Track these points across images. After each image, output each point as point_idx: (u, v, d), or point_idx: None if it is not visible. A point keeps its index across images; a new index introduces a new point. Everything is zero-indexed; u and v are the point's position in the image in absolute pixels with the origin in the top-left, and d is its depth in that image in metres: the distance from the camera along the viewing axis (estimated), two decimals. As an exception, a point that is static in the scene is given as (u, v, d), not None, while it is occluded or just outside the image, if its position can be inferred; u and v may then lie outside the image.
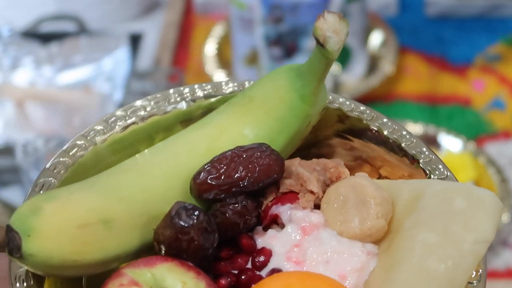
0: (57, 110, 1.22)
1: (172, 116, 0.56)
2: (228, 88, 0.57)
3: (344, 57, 1.29)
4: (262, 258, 0.52)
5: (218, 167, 0.52)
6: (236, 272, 0.51)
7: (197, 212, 0.49)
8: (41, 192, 0.50)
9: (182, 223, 0.49)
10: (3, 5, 1.40)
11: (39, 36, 1.34)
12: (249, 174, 0.51)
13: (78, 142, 0.53)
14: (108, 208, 0.48)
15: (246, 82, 0.57)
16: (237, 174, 0.51)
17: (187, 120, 0.56)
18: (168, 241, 0.49)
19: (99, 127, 0.54)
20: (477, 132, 1.23)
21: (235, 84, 0.57)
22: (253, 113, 0.53)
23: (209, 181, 0.51)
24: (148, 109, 0.55)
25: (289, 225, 0.52)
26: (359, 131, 0.57)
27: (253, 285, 0.49)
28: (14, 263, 0.48)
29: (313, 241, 0.52)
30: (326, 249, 0.51)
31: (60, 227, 0.46)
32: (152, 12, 1.44)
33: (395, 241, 0.49)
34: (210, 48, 1.36)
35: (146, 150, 0.53)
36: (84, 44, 1.32)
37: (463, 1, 1.38)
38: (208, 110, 0.55)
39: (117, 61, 1.29)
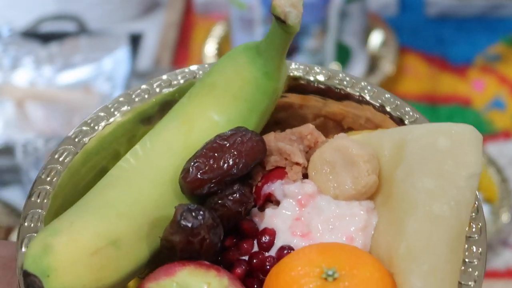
0: (57, 110, 1.22)
1: (132, 118, 0.56)
2: (181, 78, 0.58)
3: (344, 57, 1.29)
4: (267, 239, 0.53)
5: (206, 161, 0.52)
6: (245, 258, 0.52)
7: (202, 210, 0.49)
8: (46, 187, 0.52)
9: (190, 225, 0.49)
10: (3, 5, 1.40)
11: (39, 36, 1.34)
12: (237, 161, 0.52)
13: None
14: (111, 228, 0.49)
15: (195, 67, 0.58)
16: (225, 164, 0.52)
17: (146, 118, 0.56)
18: (180, 246, 0.49)
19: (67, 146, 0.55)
20: (477, 132, 1.22)
21: (186, 72, 0.58)
22: (219, 99, 0.54)
23: (199, 176, 0.52)
24: (108, 116, 0.56)
25: (285, 201, 0.53)
26: (305, 87, 0.59)
27: (274, 267, 0.50)
28: None
29: (312, 211, 0.53)
30: (327, 215, 0.52)
31: (74, 260, 0.46)
32: (152, 12, 1.45)
33: (393, 193, 0.51)
34: (210, 48, 1.36)
35: (124, 159, 0.53)
36: (84, 44, 1.32)
37: (463, 1, 1.38)
38: (166, 104, 0.56)
39: (117, 61, 1.29)
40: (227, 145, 0.52)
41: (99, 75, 1.29)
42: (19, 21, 1.37)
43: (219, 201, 0.51)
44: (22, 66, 1.31)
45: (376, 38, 1.37)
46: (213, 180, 0.52)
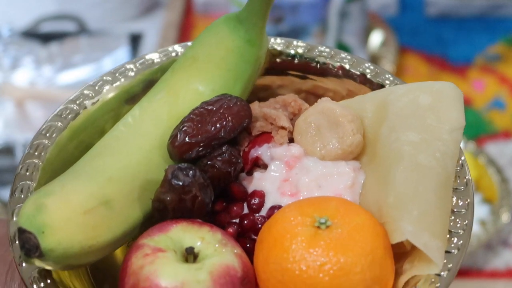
0: (57, 110, 1.22)
1: (116, 96, 0.57)
2: (164, 57, 0.59)
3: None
4: (256, 200, 0.54)
5: (193, 126, 0.53)
6: (235, 221, 0.53)
7: (192, 169, 0.50)
8: (27, 172, 0.53)
9: (182, 183, 0.50)
10: (3, 5, 1.41)
11: (39, 36, 1.34)
12: (224, 124, 0.53)
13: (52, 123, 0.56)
14: (103, 190, 0.50)
15: (176, 46, 0.59)
16: (213, 127, 0.53)
17: (131, 97, 0.58)
18: (172, 205, 0.50)
19: (57, 123, 0.56)
20: (477, 132, 1.23)
21: (169, 50, 0.59)
22: (202, 70, 0.55)
23: (187, 140, 0.53)
24: (94, 94, 0.57)
25: (272, 163, 0.54)
26: (282, 66, 0.60)
27: (266, 222, 0.51)
28: (26, 267, 0.49)
29: (300, 171, 0.54)
30: (315, 175, 0.53)
31: (68, 218, 0.47)
32: (152, 12, 1.45)
33: (379, 150, 0.52)
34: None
35: (111, 130, 0.55)
36: (84, 44, 1.32)
37: (463, 1, 1.38)
38: (149, 82, 0.57)
39: (117, 61, 1.29)
40: (214, 110, 0.53)
41: (99, 75, 1.29)
42: (19, 21, 1.37)
43: (209, 162, 0.52)
44: (22, 66, 1.31)
45: (376, 38, 1.37)
46: (201, 144, 0.53)
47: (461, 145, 1.31)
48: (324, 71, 0.59)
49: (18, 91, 1.28)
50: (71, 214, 0.47)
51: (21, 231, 0.47)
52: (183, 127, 0.52)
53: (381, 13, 1.43)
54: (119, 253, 0.56)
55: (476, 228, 1.08)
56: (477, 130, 1.25)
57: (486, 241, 1.06)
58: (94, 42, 1.34)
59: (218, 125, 0.53)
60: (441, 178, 0.50)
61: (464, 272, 1.05)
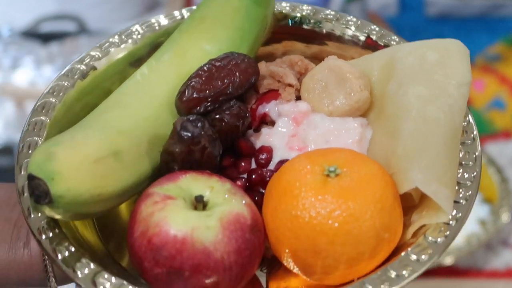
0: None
1: (122, 58, 0.59)
2: (165, 21, 0.60)
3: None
4: (264, 155, 0.54)
5: (201, 81, 0.53)
6: (243, 176, 0.54)
7: (201, 121, 0.51)
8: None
9: (191, 134, 0.50)
10: (3, 5, 1.41)
11: (39, 36, 1.34)
12: (232, 80, 0.54)
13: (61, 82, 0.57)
14: (112, 142, 0.50)
15: (183, 11, 0.60)
16: (221, 83, 0.53)
17: (136, 60, 0.59)
18: (181, 157, 0.51)
19: (64, 82, 0.57)
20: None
21: (176, 15, 0.60)
22: (210, 30, 0.56)
23: (195, 95, 0.53)
24: (100, 55, 0.58)
25: (280, 120, 0.55)
26: (286, 33, 0.60)
27: (276, 173, 0.51)
28: (35, 218, 0.50)
29: (308, 127, 0.54)
30: (323, 131, 0.54)
31: (78, 166, 0.48)
32: (152, 12, 1.45)
33: (386, 106, 0.53)
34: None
35: (120, 88, 0.55)
36: (84, 44, 1.32)
37: (463, 1, 1.38)
38: (154, 46, 0.58)
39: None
40: (221, 66, 0.54)
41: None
42: (19, 21, 1.37)
43: (217, 116, 0.53)
44: (22, 66, 1.31)
45: (376, 38, 1.37)
46: (209, 99, 0.53)
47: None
48: (328, 36, 0.59)
49: (18, 91, 1.28)
50: (80, 162, 0.48)
51: (31, 178, 0.47)
52: (191, 82, 0.53)
53: (381, 13, 1.43)
54: (125, 209, 0.57)
55: (476, 228, 1.08)
56: (477, 130, 1.24)
57: (486, 241, 1.07)
58: (94, 42, 1.34)
59: (226, 81, 0.53)
60: (449, 130, 0.51)
61: (464, 272, 1.05)
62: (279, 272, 0.53)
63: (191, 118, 0.50)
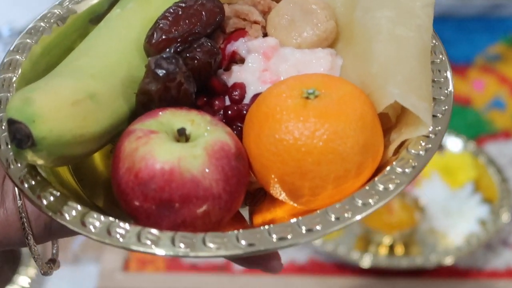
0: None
1: (82, 15, 0.61)
2: None
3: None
4: (237, 92, 0.56)
5: (168, 23, 0.56)
6: (220, 113, 0.56)
7: (175, 58, 0.53)
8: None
9: (166, 71, 0.52)
10: (3, 4, 1.41)
11: (39, 36, 1.33)
12: (199, 18, 0.56)
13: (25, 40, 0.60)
14: (87, 85, 0.53)
15: None
16: (188, 22, 0.56)
17: (95, 17, 0.61)
18: (157, 95, 0.53)
19: (27, 40, 0.60)
20: (477, 132, 1.24)
21: None
22: None
23: (164, 37, 0.55)
24: (62, 12, 0.62)
25: (249, 56, 0.57)
26: None
27: (254, 102, 0.53)
28: (14, 168, 0.52)
29: (278, 61, 0.56)
30: (293, 62, 0.56)
31: (58, 108, 0.50)
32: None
33: (354, 32, 0.56)
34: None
35: (86, 39, 0.58)
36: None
37: (463, 1, 1.38)
38: (112, 3, 0.61)
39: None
40: (187, 7, 0.57)
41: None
42: (19, 21, 1.37)
43: (188, 55, 0.55)
44: (22, 66, 1.30)
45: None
46: (178, 39, 0.56)
47: (460, 145, 1.31)
48: None
49: (18, 91, 1.28)
50: (59, 105, 0.50)
51: (11, 122, 0.49)
52: (158, 25, 0.56)
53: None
54: (98, 159, 0.60)
55: (476, 228, 1.08)
56: (477, 130, 1.26)
57: (486, 241, 1.07)
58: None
59: (193, 20, 0.56)
60: (420, 47, 0.54)
61: (464, 272, 1.06)
62: (263, 206, 0.56)
63: (164, 56, 0.53)
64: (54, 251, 0.61)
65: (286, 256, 1.10)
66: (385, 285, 1.07)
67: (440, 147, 1.24)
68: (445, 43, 1.45)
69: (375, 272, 1.08)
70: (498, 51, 1.43)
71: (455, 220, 1.14)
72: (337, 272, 1.08)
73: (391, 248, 1.11)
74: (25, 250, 1.08)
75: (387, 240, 1.11)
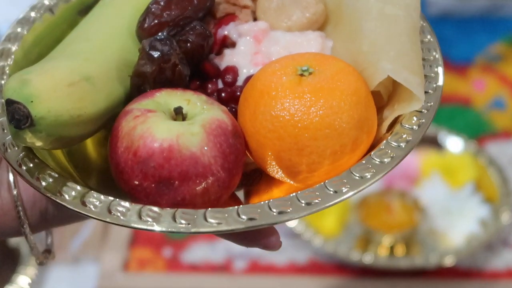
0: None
1: (70, 7, 0.62)
2: None
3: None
4: (230, 75, 0.57)
5: (160, 7, 0.57)
6: (213, 96, 0.57)
7: (169, 39, 0.54)
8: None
9: (160, 52, 0.53)
10: (2, 4, 1.40)
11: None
12: (190, 3, 0.57)
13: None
14: (82, 67, 0.54)
15: None
16: (179, 6, 0.56)
17: (84, 9, 0.62)
18: (152, 76, 0.54)
19: (19, 29, 0.61)
20: (477, 132, 1.24)
21: None
22: None
23: (156, 21, 0.56)
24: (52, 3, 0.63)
25: (241, 40, 0.58)
26: None
27: (248, 82, 0.54)
28: (11, 152, 0.52)
29: (269, 43, 0.57)
30: (284, 45, 0.57)
31: (54, 89, 0.51)
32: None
33: (344, 13, 0.57)
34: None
35: (78, 26, 0.60)
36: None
37: (463, 1, 1.38)
38: None
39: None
40: None
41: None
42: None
43: (181, 38, 0.56)
44: (22, 65, 1.30)
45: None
46: (170, 23, 0.57)
47: (461, 145, 1.30)
48: None
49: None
50: (56, 85, 0.51)
51: (9, 103, 0.49)
52: (150, 9, 0.57)
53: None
54: (90, 145, 0.61)
55: (476, 228, 1.08)
56: (478, 130, 1.26)
57: (486, 241, 1.07)
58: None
59: (184, 5, 0.57)
60: (410, 26, 0.56)
61: (464, 272, 1.06)
62: (259, 187, 0.57)
63: (158, 38, 0.54)
64: (49, 242, 0.62)
65: (286, 256, 1.12)
66: (385, 285, 1.08)
67: (440, 147, 1.24)
68: (445, 43, 1.46)
69: (375, 272, 1.09)
70: (499, 51, 1.45)
71: (455, 220, 1.15)
72: (337, 272, 1.10)
73: (391, 248, 1.13)
74: (24, 250, 1.08)
75: (387, 240, 1.12)
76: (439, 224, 1.14)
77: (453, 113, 1.37)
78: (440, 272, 1.09)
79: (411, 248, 1.12)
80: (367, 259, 1.08)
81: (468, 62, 1.42)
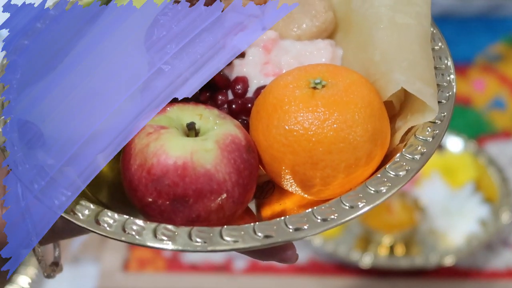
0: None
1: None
2: None
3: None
4: (240, 85, 0.56)
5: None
6: (224, 107, 0.57)
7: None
8: None
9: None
10: (2, 4, 1.40)
11: (39, 35, 1.33)
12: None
13: None
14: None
15: None
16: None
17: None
18: None
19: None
20: (477, 132, 1.24)
21: None
22: None
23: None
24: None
25: (249, 50, 0.58)
26: None
27: (261, 94, 0.54)
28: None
29: (279, 53, 0.57)
30: (294, 54, 0.57)
31: None
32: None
33: (353, 22, 0.57)
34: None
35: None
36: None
37: (463, 1, 1.38)
38: None
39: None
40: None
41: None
42: (19, 20, 1.36)
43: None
44: (22, 65, 1.30)
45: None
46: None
47: (461, 145, 1.30)
48: None
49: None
50: None
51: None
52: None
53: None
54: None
55: (476, 228, 1.08)
56: (478, 130, 1.26)
57: (486, 241, 1.07)
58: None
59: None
60: (420, 34, 0.56)
61: (464, 272, 1.06)
62: (272, 198, 0.57)
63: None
64: (56, 254, 0.62)
65: (286, 256, 1.10)
66: (385, 285, 1.09)
67: (440, 147, 1.24)
68: (446, 42, 1.45)
69: (375, 272, 1.09)
70: (499, 51, 1.46)
71: (455, 220, 1.15)
72: (337, 272, 1.10)
73: (391, 248, 1.13)
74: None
75: (387, 240, 1.12)
76: (439, 224, 1.14)
77: (453, 113, 1.36)
78: (440, 272, 1.09)
79: (411, 248, 1.12)
80: (367, 259, 1.08)
81: (468, 62, 1.42)
